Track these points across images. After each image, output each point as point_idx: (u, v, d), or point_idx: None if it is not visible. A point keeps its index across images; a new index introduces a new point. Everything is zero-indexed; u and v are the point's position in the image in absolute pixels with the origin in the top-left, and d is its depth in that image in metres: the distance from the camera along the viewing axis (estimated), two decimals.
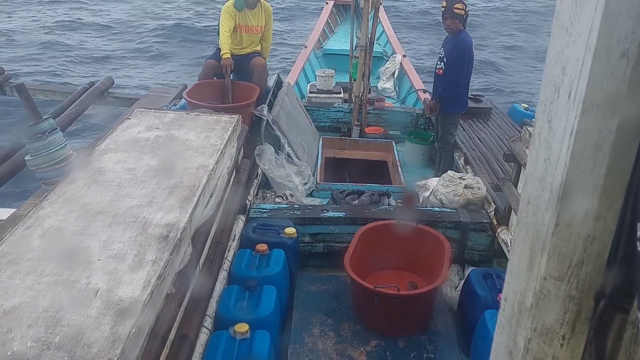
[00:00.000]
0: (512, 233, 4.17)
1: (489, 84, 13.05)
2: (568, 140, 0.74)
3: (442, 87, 5.70)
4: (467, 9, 5.46)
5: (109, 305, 2.21)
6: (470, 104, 6.56)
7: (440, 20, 5.69)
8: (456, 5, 5.39)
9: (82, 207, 2.90)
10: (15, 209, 4.18)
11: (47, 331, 2.06)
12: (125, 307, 2.20)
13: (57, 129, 4.29)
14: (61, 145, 4.23)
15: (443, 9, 5.47)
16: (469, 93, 6.18)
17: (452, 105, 5.79)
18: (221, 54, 5.83)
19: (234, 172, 4.46)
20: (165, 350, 2.56)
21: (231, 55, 5.86)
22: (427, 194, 4.94)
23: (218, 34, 6.05)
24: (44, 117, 4.31)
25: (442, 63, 5.64)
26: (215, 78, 6.05)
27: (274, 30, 6.66)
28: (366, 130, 6.95)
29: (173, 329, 2.69)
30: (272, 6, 6.32)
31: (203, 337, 2.98)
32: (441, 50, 5.73)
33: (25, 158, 4.30)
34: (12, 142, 5.04)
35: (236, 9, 5.90)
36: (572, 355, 0.89)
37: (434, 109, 5.91)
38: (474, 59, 5.75)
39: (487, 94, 8.40)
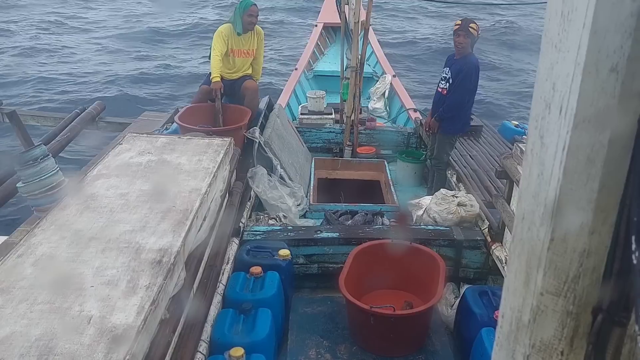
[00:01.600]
0: (507, 250, 4.17)
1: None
2: (560, 155, 0.75)
3: (443, 107, 5.61)
4: (479, 32, 5.40)
5: (103, 332, 2.18)
6: None
7: (452, 40, 5.60)
8: (471, 25, 5.34)
9: (74, 234, 2.88)
10: (7, 237, 4.14)
11: None
12: (119, 334, 2.17)
13: (48, 155, 4.29)
14: (53, 172, 4.22)
15: (457, 26, 5.39)
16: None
17: (453, 126, 5.74)
18: (211, 77, 5.85)
19: (227, 195, 4.45)
20: None
21: (222, 79, 5.89)
22: (420, 212, 4.94)
23: (209, 59, 6.08)
24: (36, 144, 4.31)
25: (447, 84, 5.56)
26: (209, 102, 6.07)
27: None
28: (358, 150, 6.97)
29: (167, 355, 2.66)
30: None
31: None
32: (445, 70, 5.63)
33: (17, 185, 4.28)
34: (4, 169, 5.02)
35: (237, 34, 5.93)
36: None
37: (433, 128, 5.82)
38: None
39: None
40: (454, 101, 5.54)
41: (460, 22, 5.42)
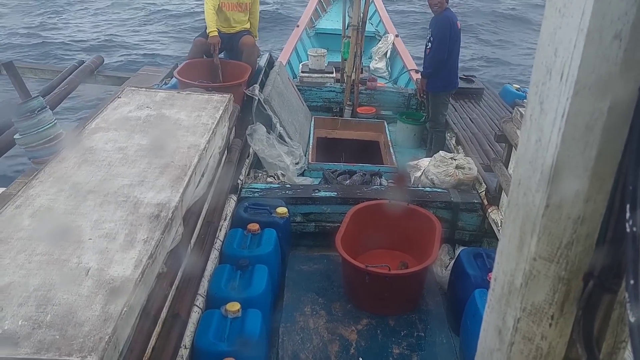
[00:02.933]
0: (503, 213, 4.19)
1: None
2: (559, 122, 0.75)
3: (423, 64, 5.83)
4: None
5: (101, 284, 2.21)
6: (462, 84, 6.56)
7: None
8: None
9: (72, 187, 2.88)
10: (5, 188, 4.15)
11: (38, 310, 2.06)
12: (117, 286, 2.20)
13: (46, 107, 4.26)
14: (51, 124, 4.20)
15: None
16: (461, 73, 6.19)
17: (441, 84, 5.82)
18: (208, 32, 5.75)
19: (226, 151, 4.45)
20: (157, 329, 2.58)
21: (219, 33, 5.79)
22: (418, 174, 4.95)
23: (204, 13, 5.97)
24: (33, 96, 4.27)
25: (430, 43, 5.73)
26: (204, 57, 5.99)
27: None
28: (358, 110, 6.94)
29: (165, 308, 2.70)
30: None
31: (195, 316, 2.99)
32: (429, 31, 5.81)
33: (15, 137, 4.26)
34: (1, 120, 4.99)
35: None
36: (560, 335, 0.90)
37: (420, 86, 5.99)
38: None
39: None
40: (432, 56, 5.70)
41: None
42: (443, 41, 5.57)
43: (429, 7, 5.75)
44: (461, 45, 5.92)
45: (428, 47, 5.75)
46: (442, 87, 5.87)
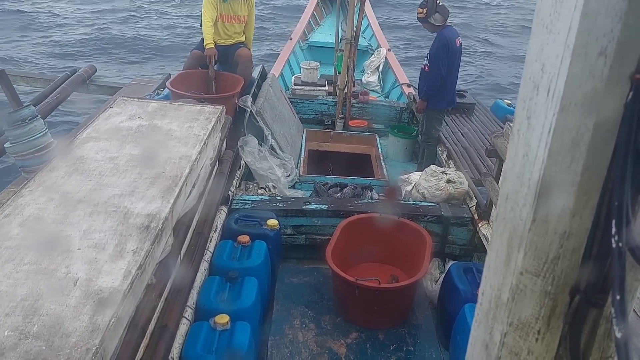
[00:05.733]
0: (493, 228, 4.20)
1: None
2: (546, 137, 0.75)
3: (426, 85, 5.78)
4: (425, 9, 5.53)
5: (89, 294, 2.19)
6: None
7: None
8: (418, 11, 5.60)
9: (62, 196, 2.87)
10: None
11: (25, 320, 2.04)
12: (105, 297, 2.19)
13: (37, 116, 4.25)
14: (42, 133, 4.19)
15: None
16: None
17: (438, 100, 5.82)
18: (204, 44, 5.79)
19: (217, 163, 4.45)
20: (145, 341, 2.56)
21: (215, 45, 5.83)
22: (409, 187, 4.96)
23: (201, 25, 6.01)
24: (25, 104, 4.26)
25: (427, 60, 5.74)
26: (200, 69, 6.01)
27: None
28: (350, 123, 6.96)
29: (153, 319, 2.68)
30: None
31: (183, 327, 2.97)
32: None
33: (5, 145, 4.24)
34: None
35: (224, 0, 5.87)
36: (546, 350, 0.90)
37: (421, 108, 5.97)
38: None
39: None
40: (431, 76, 5.71)
41: None
42: (438, 60, 5.57)
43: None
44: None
45: (425, 65, 5.77)
46: (439, 105, 5.87)
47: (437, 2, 5.50)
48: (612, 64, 0.67)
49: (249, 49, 6.28)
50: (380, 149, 6.44)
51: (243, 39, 6.25)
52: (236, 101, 5.56)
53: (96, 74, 7.74)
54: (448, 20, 5.60)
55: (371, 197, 5.02)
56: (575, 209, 0.77)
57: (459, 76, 5.93)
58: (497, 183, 4.22)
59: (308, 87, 7.40)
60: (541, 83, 0.76)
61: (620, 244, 0.70)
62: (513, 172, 0.85)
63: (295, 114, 6.75)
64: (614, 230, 0.71)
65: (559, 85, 0.72)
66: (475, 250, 4.56)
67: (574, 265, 0.82)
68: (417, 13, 5.60)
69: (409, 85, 7.69)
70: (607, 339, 0.88)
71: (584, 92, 0.70)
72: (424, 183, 4.76)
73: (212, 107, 4.31)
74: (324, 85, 7.48)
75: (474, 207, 4.57)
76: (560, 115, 0.72)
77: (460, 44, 5.68)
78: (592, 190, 0.75)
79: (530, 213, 0.80)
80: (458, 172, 4.95)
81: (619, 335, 0.68)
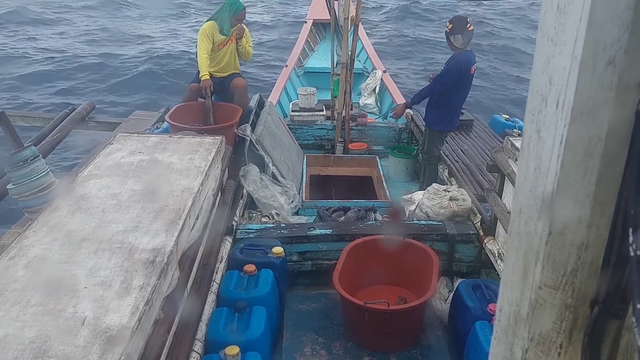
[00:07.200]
0: (499, 243, 4.19)
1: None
2: (558, 149, 0.75)
3: (419, 93, 5.80)
4: (451, 25, 5.41)
5: (97, 333, 2.17)
6: None
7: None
8: (446, 24, 5.50)
9: (66, 235, 2.86)
10: None
11: None
12: (114, 335, 2.16)
13: (38, 156, 4.25)
14: (43, 173, 4.19)
15: None
16: None
17: (440, 122, 5.79)
18: (200, 75, 5.83)
19: (219, 193, 4.44)
20: None
21: (211, 77, 5.87)
22: (412, 207, 4.95)
23: (197, 57, 6.06)
24: (26, 145, 4.27)
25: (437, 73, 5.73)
26: (199, 100, 6.05)
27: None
28: (350, 146, 6.97)
29: (163, 354, 2.65)
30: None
31: None
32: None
33: (7, 187, 4.24)
34: None
35: (222, 34, 5.93)
36: None
37: (399, 113, 6.03)
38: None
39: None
40: (427, 88, 5.71)
41: None
42: (443, 80, 5.51)
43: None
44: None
45: (432, 74, 5.74)
46: (441, 126, 5.84)
47: (468, 25, 5.37)
48: (621, 73, 0.67)
49: (249, 53, 6.35)
50: (381, 170, 6.44)
51: (238, 70, 6.30)
52: (235, 131, 5.58)
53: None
54: (468, 46, 5.47)
55: (375, 219, 5.01)
56: (592, 220, 0.76)
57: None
58: (500, 198, 4.21)
59: (306, 113, 7.44)
60: (549, 95, 0.76)
61: (638, 252, 0.69)
62: (525, 186, 0.84)
63: (295, 140, 6.77)
64: (631, 238, 0.70)
65: (568, 96, 0.72)
66: (482, 266, 4.53)
67: (593, 276, 0.81)
68: (446, 26, 5.51)
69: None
70: (630, 349, 0.87)
71: (594, 102, 0.69)
72: (427, 202, 4.75)
73: (212, 138, 4.32)
74: (322, 110, 7.52)
75: (479, 223, 4.55)
76: (572, 127, 0.72)
77: (475, 71, 5.60)
78: (607, 200, 0.75)
79: (546, 226, 0.79)
80: (460, 189, 4.94)
81: None
